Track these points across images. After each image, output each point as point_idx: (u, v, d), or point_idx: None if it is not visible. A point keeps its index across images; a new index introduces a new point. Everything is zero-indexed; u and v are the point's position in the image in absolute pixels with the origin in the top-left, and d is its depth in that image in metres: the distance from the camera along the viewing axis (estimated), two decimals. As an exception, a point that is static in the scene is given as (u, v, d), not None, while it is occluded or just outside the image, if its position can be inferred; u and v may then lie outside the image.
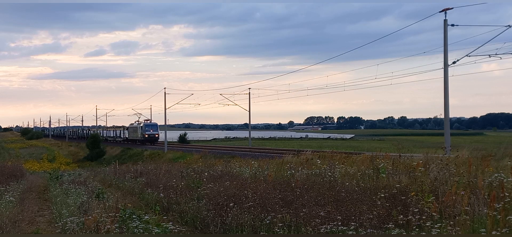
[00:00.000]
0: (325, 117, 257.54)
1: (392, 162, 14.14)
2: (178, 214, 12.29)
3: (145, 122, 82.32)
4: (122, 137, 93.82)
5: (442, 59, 30.02)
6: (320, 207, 9.46)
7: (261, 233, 9.21)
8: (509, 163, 13.94)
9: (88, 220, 8.99)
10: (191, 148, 60.67)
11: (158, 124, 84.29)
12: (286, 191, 11.60)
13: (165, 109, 67.44)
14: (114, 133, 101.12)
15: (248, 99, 65.10)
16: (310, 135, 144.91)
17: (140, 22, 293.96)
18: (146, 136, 78.50)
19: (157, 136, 78.89)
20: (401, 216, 8.39)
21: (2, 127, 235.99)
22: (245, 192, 11.47)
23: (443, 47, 29.92)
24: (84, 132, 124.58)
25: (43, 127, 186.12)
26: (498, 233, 7.28)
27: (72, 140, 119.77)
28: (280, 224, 9.09)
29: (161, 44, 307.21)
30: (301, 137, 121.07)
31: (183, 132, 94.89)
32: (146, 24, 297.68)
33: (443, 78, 30.05)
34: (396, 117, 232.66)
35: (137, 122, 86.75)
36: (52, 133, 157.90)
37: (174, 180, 16.82)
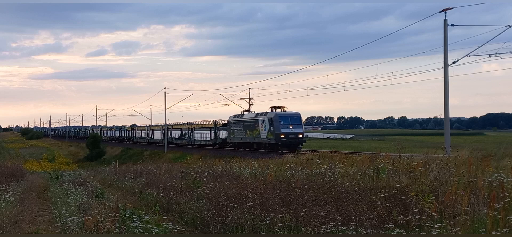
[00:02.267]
0: (325, 117, 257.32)
1: (392, 162, 14.16)
2: (178, 214, 12.29)
3: (275, 111, 45.28)
4: (208, 138, 58.50)
5: (442, 59, 30.07)
6: (320, 207, 9.45)
7: (261, 233, 9.21)
8: (509, 163, 13.95)
9: (88, 220, 8.99)
10: (191, 149, 60.64)
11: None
12: (286, 191, 11.60)
13: (165, 109, 67.24)
14: (198, 133, 63.50)
15: (248, 99, 64.92)
16: (310, 134, 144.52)
17: (141, 22, 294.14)
18: (282, 136, 42.49)
19: (301, 136, 43.56)
20: (401, 216, 8.39)
21: (2, 127, 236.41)
22: (245, 192, 11.46)
23: (443, 47, 29.97)
24: (122, 133, 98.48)
25: (43, 127, 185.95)
26: (498, 233, 7.27)
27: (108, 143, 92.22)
28: (280, 224, 9.08)
29: (162, 44, 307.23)
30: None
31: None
32: (148, 24, 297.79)
33: (443, 78, 30.09)
34: (396, 117, 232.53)
35: (248, 111, 52.19)
36: (53, 133, 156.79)
37: (174, 180, 16.83)
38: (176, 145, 66.92)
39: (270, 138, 43.78)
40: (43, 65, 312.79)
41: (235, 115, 52.45)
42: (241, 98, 55.91)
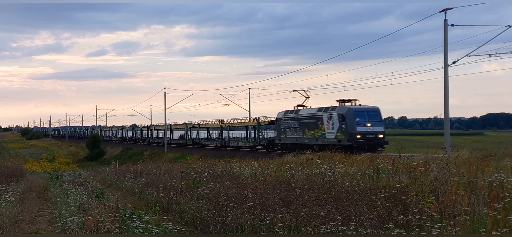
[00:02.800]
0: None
1: (392, 162, 14.17)
2: (178, 214, 12.29)
3: (345, 104, 36.86)
4: (246, 138, 51.52)
5: (442, 59, 30.11)
6: (320, 207, 9.45)
7: (261, 233, 9.21)
8: (509, 163, 13.98)
9: (88, 220, 8.98)
10: (191, 149, 60.62)
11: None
12: (286, 191, 11.60)
13: (165, 109, 67.40)
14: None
15: (248, 99, 64.99)
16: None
17: (142, 22, 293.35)
18: (359, 136, 34.22)
19: (382, 135, 35.31)
20: (401, 216, 8.39)
21: (2, 127, 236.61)
22: (245, 192, 11.47)
23: (443, 47, 30.01)
24: (135, 133, 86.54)
25: (43, 127, 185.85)
26: (498, 233, 7.28)
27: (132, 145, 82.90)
28: (280, 224, 9.08)
29: (163, 44, 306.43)
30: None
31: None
32: (148, 24, 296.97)
33: (443, 78, 30.12)
34: (396, 117, 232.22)
35: (302, 106, 42.59)
36: (58, 133, 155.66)
37: (174, 180, 16.82)
38: (203, 146, 59.20)
39: (340, 139, 35.05)
40: (43, 65, 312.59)
41: (286, 111, 43.14)
42: (293, 91, 44.62)
